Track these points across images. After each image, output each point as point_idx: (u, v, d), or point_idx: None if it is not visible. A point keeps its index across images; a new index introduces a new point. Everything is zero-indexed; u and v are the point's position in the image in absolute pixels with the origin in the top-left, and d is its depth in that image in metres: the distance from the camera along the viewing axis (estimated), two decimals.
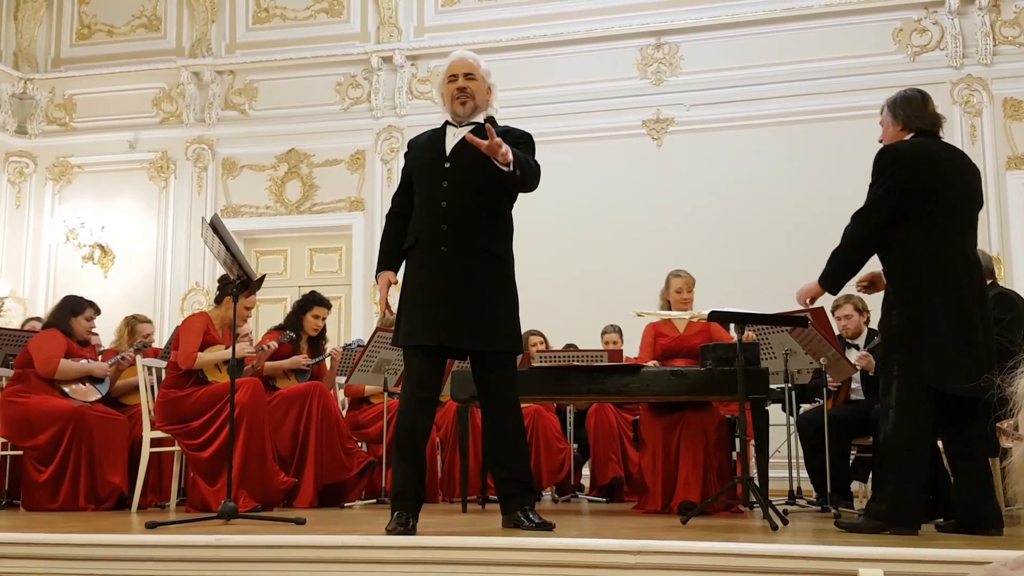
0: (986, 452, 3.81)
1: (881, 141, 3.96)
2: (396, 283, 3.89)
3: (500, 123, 3.90)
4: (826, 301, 5.32)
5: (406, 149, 4.02)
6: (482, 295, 3.67)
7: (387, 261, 3.89)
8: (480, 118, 3.83)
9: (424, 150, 3.86)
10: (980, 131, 8.26)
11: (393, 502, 3.58)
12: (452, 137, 3.81)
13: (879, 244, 3.82)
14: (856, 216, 3.85)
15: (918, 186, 3.73)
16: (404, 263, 3.84)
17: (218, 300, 5.59)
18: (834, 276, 3.91)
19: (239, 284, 4.27)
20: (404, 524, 3.42)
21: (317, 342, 6.30)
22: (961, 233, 3.77)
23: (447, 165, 3.74)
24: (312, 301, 6.22)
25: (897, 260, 3.81)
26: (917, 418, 3.66)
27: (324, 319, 6.24)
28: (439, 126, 3.90)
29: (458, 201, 3.68)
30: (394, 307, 3.81)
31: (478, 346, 3.70)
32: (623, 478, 6.42)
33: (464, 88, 3.80)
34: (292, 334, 6.04)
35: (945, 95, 8.34)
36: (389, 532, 3.34)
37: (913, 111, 3.90)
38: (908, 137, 3.88)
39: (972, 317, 3.68)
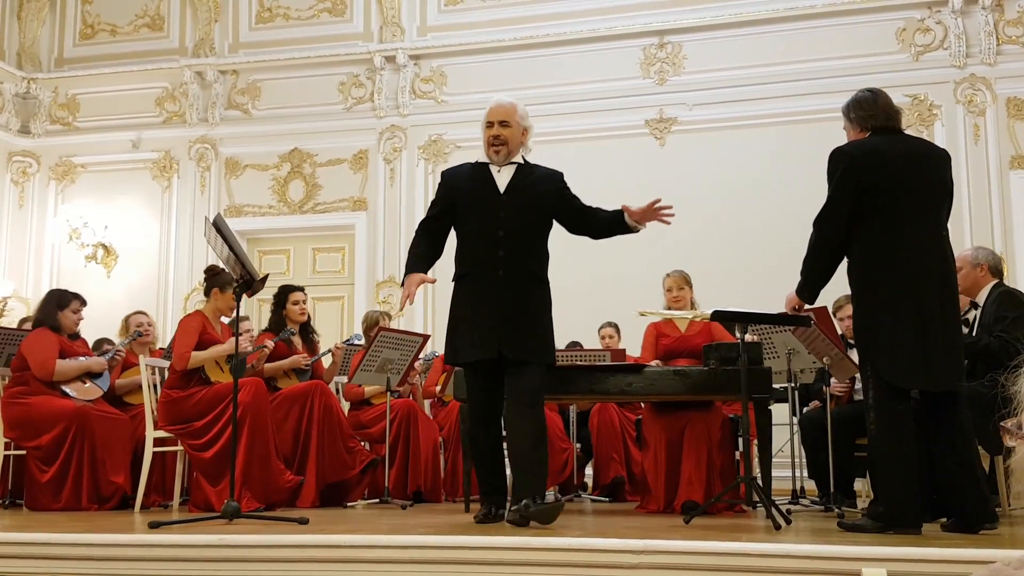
0: (970, 445, 3.79)
1: None
2: (432, 281, 4.18)
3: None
4: (828, 300, 5.31)
5: (440, 180, 4.35)
6: (530, 313, 4.10)
7: (417, 264, 4.17)
8: (518, 159, 4.24)
9: (470, 184, 4.20)
10: (983, 131, 8.24)
11: (480, 498, 4.24)
12: (499, 175, 4.19)
13: (841, 247, 3.84)
14: (815, 222, 3.87)
15: (868, 185, 3.75)
16: (455, 289, 4.16)
17: (207, 292, 5.57)
18: (808, 286, 3.94)
19: (242, 284, 4.28)
20: (488, 513, 4.06)
21: (310, 337, 6.29)
22: (920, 229, 3.74)
23: (504, 198, 4.13)
24: (285, 291, 6.23)
25: (854, 260, 3.84)
26: (896, 416, 3.66)
27: (304, 303, 6.25)
28: (475, 162, 4.27)
29: (514, 230, 4.10)
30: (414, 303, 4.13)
31: (527, 357, 4.03)
32: (625, 478, 6.42)
33: (498, 136, 4.18)
34: (291, 330, 6.04)
35: (948, 95, 8.33)
36: (477, 521, 4.03)
37: (864, 111, 3.94)
38: (866, 137, 3.90)
39: (929, 311, 3.67)
